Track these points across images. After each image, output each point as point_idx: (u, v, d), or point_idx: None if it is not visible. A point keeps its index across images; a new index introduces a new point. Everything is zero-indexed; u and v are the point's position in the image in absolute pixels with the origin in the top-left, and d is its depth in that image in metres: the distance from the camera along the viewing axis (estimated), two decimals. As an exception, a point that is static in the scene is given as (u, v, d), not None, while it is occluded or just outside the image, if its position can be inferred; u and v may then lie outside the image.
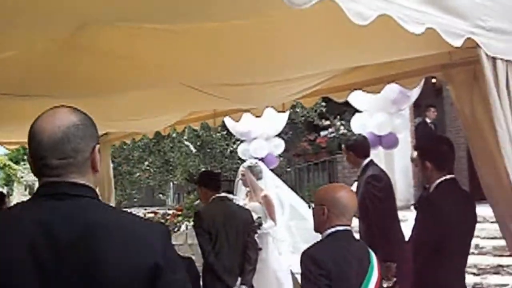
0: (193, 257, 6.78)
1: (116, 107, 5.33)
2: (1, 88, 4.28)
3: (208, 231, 6.17)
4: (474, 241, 8.88)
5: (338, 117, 16.63)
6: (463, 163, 11.99)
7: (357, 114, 9.33)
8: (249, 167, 7.97)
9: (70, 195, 2.03)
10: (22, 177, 25.88)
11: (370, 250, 3.68)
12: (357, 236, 6.30)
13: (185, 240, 12.37)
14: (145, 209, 16.35)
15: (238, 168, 8.81)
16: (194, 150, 17.03)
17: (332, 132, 17.30)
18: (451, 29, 3.00)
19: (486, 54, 3.28)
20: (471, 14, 3.15)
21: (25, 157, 28.83)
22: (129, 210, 2.22)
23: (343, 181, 15.13)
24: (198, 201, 8.38)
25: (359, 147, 6.77)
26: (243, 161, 9.62)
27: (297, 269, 3.71)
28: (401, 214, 6.92)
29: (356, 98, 7.59)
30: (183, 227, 13.71)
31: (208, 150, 16.97)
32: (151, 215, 14.55)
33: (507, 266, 8.82)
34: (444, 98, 15.40)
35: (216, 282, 6.20)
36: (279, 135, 10.42)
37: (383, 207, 6.26)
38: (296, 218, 9.13)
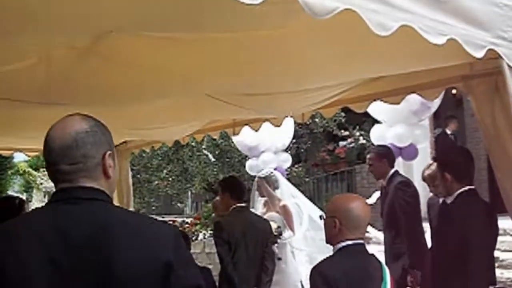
0: (210, 266, 6.77)
1: (136, 116, 5.35)
2: (21, 96, 4.32)
3: (227, 241, 6.13)
4: (494, 254, 8.88)
5: (358, 127, 16.61)
6: (483, 175, 11.90)
7: (376, 125, 9.28)
8: (264, 178, 7.95)
9: (83, 199, 2.09)
10: (41, 184, 26.07)
11: (384, 266, 3.51)
12: (378, 247, 6.31)
13: (202, 249, 12.36)
14: (163, 218, 16.36)
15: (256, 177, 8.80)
16: (212, 159, 17.06)
17: (351, 143, 17.25)
18: (473, 40, 2.99)
19: (508, 65, 3.26)
20: (493, 25, 3.13)
21: (44, 164, 29.16)
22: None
23: (361, 192, 15.07)
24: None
25: (391, 155, 6.90)
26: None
27: (307, 281, 3.59)
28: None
29: (376, 109, 7.56)
30: (200, 236, 13.72)
31: (227, 159, 16.98)
32: (169, 223, 14.54)
33: (528, 279, 8.72)
34: (464, 109, 15.30)
35: None
36: (297, 145, 10.41)
37: (413, 213, 6.26)
38: (313, 228, 9.08)
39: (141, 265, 2.01)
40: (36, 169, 27.44)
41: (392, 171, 6.75)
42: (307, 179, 16.98)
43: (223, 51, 3.54)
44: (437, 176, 5.01)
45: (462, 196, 4.37)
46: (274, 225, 7.06)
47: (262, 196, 7.95)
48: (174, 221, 15.11)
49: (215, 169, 17.13)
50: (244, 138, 9.26)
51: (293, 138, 10.78)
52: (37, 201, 24.62)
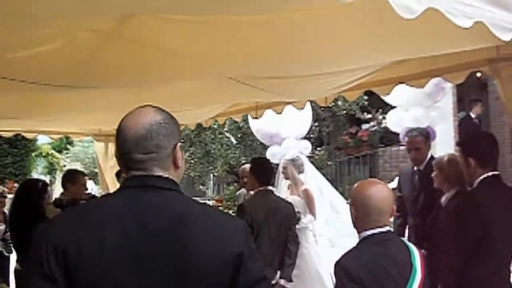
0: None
1: (159, 98, 5.29)
2: (44, 79, 4.34)
3: (250, 225, 6.13)
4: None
5: (380, 110, 16.51)
6: (508, 159, 11.82)
7: (392, 110, 9.24)
8: (291, 160, 7.93)
9: (157, 187, 2.16)
10: (64, 166, 26.27)
11: (413, 250, 3.34)
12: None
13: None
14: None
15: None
16: (235, 142, 17.08)
17: (373, 126, 17.18)
18: (500, 22, 2.94)
19: (535, 49, 3.22)
20: (520, 8, 3.08)
21: (68, 146, 29.32)
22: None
23: (384, 175, 15.04)
24: (240, 191, 8.30)
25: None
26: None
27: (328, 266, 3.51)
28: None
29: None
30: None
31: (249, 142, 17.00)
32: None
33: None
34: (489, 93, 15.18)
35: None
36: (319, 128, 10.39)
37: None
38: (334, 212, 9.10)
39: (214, 256, 2.07)
40: (59, 151, 27.69)
41: (430, 155, 6.22)
42: (329, 163, 16.96)
43: (247, 34, 3.52)
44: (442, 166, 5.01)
45: (486, 181, 4.33)
46: (293, 209, 7.05)
47: (287, 179, 7.95)
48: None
49: (236, 152, 17.16)
50: (264, 126, 9.27)
51: (315, 121, 10.77)
52: (60, 183, 24.82)
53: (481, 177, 4.34)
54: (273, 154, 9.94)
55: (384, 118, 16.25)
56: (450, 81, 5.37)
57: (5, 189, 18.37)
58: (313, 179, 8.76)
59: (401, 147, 13.74)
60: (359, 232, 3.34)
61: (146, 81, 4.68)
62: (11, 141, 21.26)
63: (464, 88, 14.28)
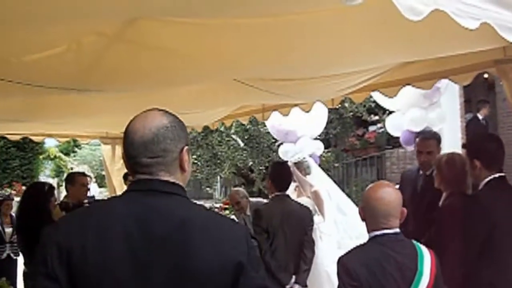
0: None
1: (165, 101, 5.27)
2: (52, 82, 4.35)
3: (266, 230, 6.15)
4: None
5: (387, 112, 16.47)
6: (515, 161, 11.76)
7: (390, 116, 9.23)
8: (295, 163, 7.95)
9: (162, 192, 2.16)
10: (72, 168, 26.34)
11: (424, 254, 3.30)
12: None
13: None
14: (192, 202, 16.41)
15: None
16: (242, 144, 17.08)
17: (380, 127, 17.14)
18: (507, 24, 2.92)
19: (542, 50, 3.20)
20: (527, 9, 3.07)
21: (75, 149, 29.39)
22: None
23: (391, 177, 15.00)
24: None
25: None
26: (288, 155, 9.58)
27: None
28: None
29: (385, 99, 7.44)
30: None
31: (256, 145, 16.99)
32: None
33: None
34: (496, 94, 15.12)
35: (270, 279, 6.15)
36: (326, 130, 10.36)
37: None
38: (342, 214, 9.08)
39: (215, 263, 2.07)
40: (67, 154, 27.78)
41: None
42: (336, 164, 16.95)
43: (253, 37, 3.52)
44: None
45: (491, 183, 4.31)
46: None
47: (293, 181, 7.93)
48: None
49: (244, 154, 17.16)
50: (280, 123, 9.26)
51: (322, 123, 10.74)
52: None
53: (487, 179, 4.32)
54: (286, 152, 9.93)
55: (391, 119, 16.25)
56: (457, 82, 5.36)
57: (12, 192, 18.46)
58: (320, 181, 8.72)
59: (408, 149, 13.70)
60: (369, 232, 3.35)
61: (152, 84, 4.69)
62: (18, 144, 21.30)
63: (472, 89, 14.23)
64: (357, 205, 5.46)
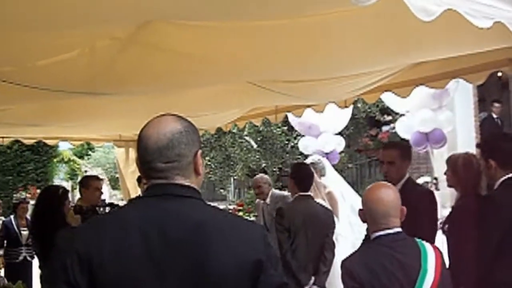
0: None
1: (179, 104, 5.37)
2: (67, 86, 4.37)
3: (288, 229, 6.15)
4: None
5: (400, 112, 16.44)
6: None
7: (400, 118, 9.22)
8: (312, 164, 7.92)
9: (178, 195, 2.17)
10: (86, 171, 26.43)
11: (427, 252, 3.28)
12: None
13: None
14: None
15: (299, 163, 8.77)
16: (255, 146, 17.08)
17: (394, 128, 17.06)
18: (520, 22, 2.92)
19: (557, 48, 3.19)
20: (540, 7, 3.05)
21: (89, 152, 29.50)
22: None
23: (405, 177, 14.93)
24: (257, 200, 8.31)
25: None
26: (304, 156, 9.57)
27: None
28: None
29: (394, 101, 7.38)
30: (244, 222, 13.72)
31: (269, 146, 16.99)
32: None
33: None
34: (510, 92, 15.02)
35: (289, 279, 6.14)
36: (340, 131, 10.34)
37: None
38: (355, 216, 9.05)
39: (232, 264, 2.08)
40: (81, 157, 27.88)
41: (407, 176, 5.21)
42: (350, 165, 16.92)
43: (266, 39, 3.53)
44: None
45: (507, 183, 4.29)
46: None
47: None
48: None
49: (257, 156, 17.16)
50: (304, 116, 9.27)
51: (335, 124, 10.74)
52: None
53: (502, 179, 4.29)
54: (306, 146, 9.92)
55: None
56: (471, 81, 5.33)
57: (27, 195, 18.53)
58: (334, 182, 8.71)
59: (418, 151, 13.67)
60: (370, 233, 3.33)
61: (165, 87, 4.71)
62: (33, 148, 21.39)
63: (485, 88, 14.16)
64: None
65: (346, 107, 6.63)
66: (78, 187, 6.91)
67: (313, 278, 6.24)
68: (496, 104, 14.43)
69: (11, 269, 9.24)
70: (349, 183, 10.42)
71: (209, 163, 17.90)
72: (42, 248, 5.80)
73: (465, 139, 9.86)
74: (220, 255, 2.07)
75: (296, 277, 6.08)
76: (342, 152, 12.44)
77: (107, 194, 24.35)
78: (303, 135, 10.42)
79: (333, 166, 9.57)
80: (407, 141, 9.02)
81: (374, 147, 17.32)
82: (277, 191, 8.12)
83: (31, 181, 22.27)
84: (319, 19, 3.12)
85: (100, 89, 4.50)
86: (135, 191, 8.92)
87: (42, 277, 6.02)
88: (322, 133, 9.76)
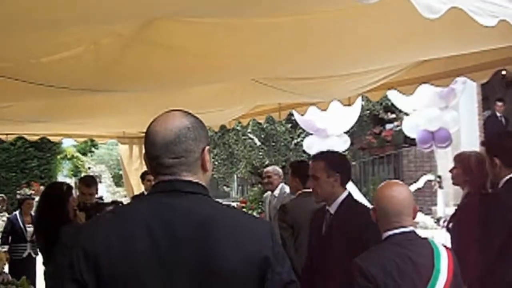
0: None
1: (182, 101, 5.33)
2: (70, 83, 4.38)
3: (291, 225, 6.17)
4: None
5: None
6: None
7: (407, 117, 9.22)
8: None
9: (185, 192, 2.17)
10: (89, 168, 26.48)
11: (440, 252, 3.27)
12: (425, 232, 6.10)
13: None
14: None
15: (302, 161, 8.77)
16: (258, 143, 17.08)
17: (397, 126, 17.07)
18: (524, 21, 2.91)
19: (560, 47, 3.18)
20: (545, 6, 3.05)
21: (92, 149, 29.50)
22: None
23: (408, 175, 14.96)
24: (266, 193, 8.33)
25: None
26: (308, 154, 9.55)
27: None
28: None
29: (400, 100, 7.38)
30: (247, 220, 13.74)
31: (273, 144, 16.99)
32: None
33: None
34: (514, 91, 15.04)
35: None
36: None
37: None
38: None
39: (240, 260, 2.08)
40: (84, 154, 27.90)
41: (345, 194, 4.35)
42: (353, 163, 16.89)
43: (270, 37, 3.52)
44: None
45: (511, 181, 4.28)
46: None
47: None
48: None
49: (260, 153, 17.16)
50: (312, 118, 9.24)
51: (339, 122, 10.72)
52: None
53: (507, 177, 4.29)
54: (311, 145, 9.89)
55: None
56: (475, 80, 5.32)
57: (31, 191, 18.57)
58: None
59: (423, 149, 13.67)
60: (382, 233, 3.32)
61: (169, 85, 4.71)
62: (36, 145, 21.40)
63: (489, 87, 14.15)
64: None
65: (350, 104, 6.60)
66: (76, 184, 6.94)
67: None
68: (499, 103, 14.46)
69: (15, 265, 9.25)
70: (352, 180, 10.42)
71: (212, 160, 17.83)
72: (46, 244, 5.81)
73: (468, 138, 9.85)
74: (227, 251, 2.07)
75: (300, 275, 6.09)
76: (346, 150, 12.43)
77: (104, 191, 24.35)
78: (308, 134, 10.37)
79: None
80: (413, 139, 8.99)
81: (378, 145, 17.33)
82: (287, 186, 8.13)
83: (34, 177, 22.31)
84: (323, 16, 3.12)
85: (104, 86, 4.50)
86: (139, 188, 8.92)
87: (46, 274, 6.04)
88: (329, 136, 9.73)
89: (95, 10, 2.73)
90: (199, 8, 2.90)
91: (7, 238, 9.97)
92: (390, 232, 3.25)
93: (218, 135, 17.18)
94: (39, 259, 7.66)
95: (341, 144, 9.96)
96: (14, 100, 5.16)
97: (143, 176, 8.39)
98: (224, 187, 20.73)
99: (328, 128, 9.61)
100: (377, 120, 18.01)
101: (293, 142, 16.86)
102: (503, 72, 12.27)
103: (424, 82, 5.37)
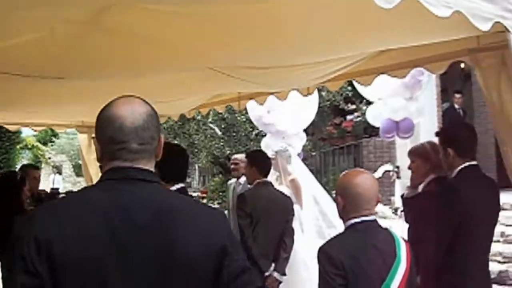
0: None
1: (140, 89, 5.23)
2: (24, 71, 4.30)
3: (249, 214, 6.19)
4: (499, 229, 8.86)
5: (364, 101, 16.52)
6: (491, 150, 11.80)
7: (371, 105, 9.25)
8: (280, 152, 7.99)
9: (140, 180, 2.14)
10: (49, 158, 26.20)
11: (400, 240, 3.32)
12: (384, 222, 6.17)
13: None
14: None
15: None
16: (219, 133, 17.05)
17: (358, 116, 17.21)
18: (479, 12, 2.93)
19: (515, 39, 3.21)
20: (500, -2, 3.08)
21: (53, 139, 29.18)
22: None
23: (368, 166, 15.07)
24: (231, 181, 8.33)
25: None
26: (267, 144, 9.52)
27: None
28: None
29: (366, 88, 7.41)
30: (207, 210, 13.72)
31: (234, 134, 16.97)
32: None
33: (533, 254, 8.69)
34: (472, 84, 15.23)
35: (251, 265, 6.12)
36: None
37: None
38: (316, 203, 9.10)
39: (198, 249, 2.07)
40: (44, 144, 27.59)
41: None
42: (313, 153, 16.98)
43: (227, 24, 3.50)
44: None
45: (464, 171, 4.35)
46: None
47: (276, 170, 7.97)
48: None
49: (221, 143, 17.13)
50: (261, 113, 9.22)
51: (299, 112, 10.69)
52: (45, 175, 24.74)
53: (460, 167, 4.35)
54: (267, 145, 9.86)
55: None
56: (432, 71, 5.38)
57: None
58: (298, 170, 8.74)
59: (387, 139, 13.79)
60: (345, 221, 3.35)
61: (125, 73, 4.65)
62: (-6, 134, 21.11)
63: (448, 79, 14.35)
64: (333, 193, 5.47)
65: (310, 94, 6.60)
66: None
67: (273, 264, 6.28)
68: (458, 95, 14.74)
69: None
70: (312, 171, 10.46)
71: (173, 150, 17.76)
72: (0, 235, 5.73)
73: (428, 129, 9.92)
74: (187, 240, 2.06)
75: (257, 264, 6.11)
76: (306, 140, 12.46)
77: (60, 182, 24.15)
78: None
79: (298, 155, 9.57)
80: (375, 127, 9.02)
81: (338, 136, 17.43)
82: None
83: (-8, 167, 21.97)
84: (283, 5, 3.11)
85: (61, 73, 4.44)
86: (98, 178, 8.82)
87: (1, 265, 5.96)
88: (284, 134, 9.65)
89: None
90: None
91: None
92: (357, 220, 3.27)
93: (178, 125, 17.09)
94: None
95: (298, 142, 9.91)
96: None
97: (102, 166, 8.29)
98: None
99: (277, 125, 9.53)
100: (337, 111, 18.11)
101: (253, 133, 16.83)
102: (462, 65, 12.44)
103: (382, 73, 5.40)
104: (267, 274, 6.25)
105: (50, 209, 2.19)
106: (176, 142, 17.65)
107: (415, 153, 5.15)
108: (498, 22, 3.04)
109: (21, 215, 4.96)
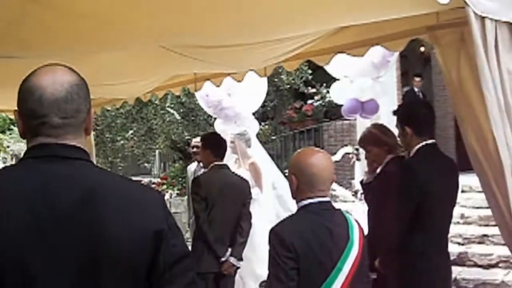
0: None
1: (89, 70, 5.09)
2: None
3: (204, 198, 6.08)
4: (459, 211, 8.93)
5: (324, 85, 16.48)
6: (451, 133, 11.90)
7: (336, 82, 9.06)
8: (239, 135, 7.89)
9: (67, 157, 1.95)
10: (8, 147, 25.74)
11: (353, 223, 3.26)
12: (344, 206, 6.13)
13: (169, 208, 12.29)
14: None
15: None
16: (178, 118, 16.85)
17: (318, 100, 17.17)
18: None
19: (475, 13, 3.13)
20: (460, -29, 2.99)
21: (12, 127, 28.64)
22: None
23: (328, 149, 15.00)
24: (191, 164, 8.23)
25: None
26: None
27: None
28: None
29: (335, 65, 7.32)
30: (167, 196, 13.67)
31: (193, 118, 16.79)
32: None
33: (492, 235, 8.75)
34: (432, 67, 15.35)
35: (206, 250, 6.09)
36: (264, 103, 10.11)
37: None
38: (277, 189, 9.06)
39: (132, 233, 1.91)
40: (3, 132, 27.06)
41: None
42: (273, 137, 16.90)
43: (177, 1, 3.35)
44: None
45: (423, 149, 4.32)
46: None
47: (235, 153, 7.90)
48: (141, 181, 14.98)
49: (180, 128, 16.93)
50: (221, 97, 9.02)
51: (258, 96, 10.54)
52: (3, 164, 24.34)
53: (418, 146, 4.34)
54: (222, 130, 9.68)
55: (328, 92, 16.24)
56: (390, 49, 5.31)
57: None
58: (257, 154, 8.67)
59: (345, 122, 13.77)
60: (298, 201, 3.25)
61: (71, 51, 4.43)
62: None
63: (408, 63, 14.44)
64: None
65: (266, 75, 6.49)
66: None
67: (229, 249, 6.17)
68: (417, 78, 14.95)
69: None
70: (272, 155, 10.38)
71: (131, 136, 17.54)
72: None
73: (388, 112, 9.86)
74: (116, 223, 1.89)
75: (213, 249, 6.00)
76: (266, 124, 12.47)
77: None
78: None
79: (257, 137, 9.46)
80: (335, 111, 8.84)
81: (298, 120, 17.37)
82: None
83: None
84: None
85: (2, 52, 4.22)
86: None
87: None
88: (237, 114, 9.42)
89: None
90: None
91: None
92: (311, 200, 3.18)
93: (136, 109, 16.82)
94: None
95: (254, 125, 9.71)
96: None
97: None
98: (145, 163, 20.36)
99: (242, 112, 9.31)
100: (297, 94, 18.05)
101: (212, 117, 16.66)
102: (422, 49, 12.45)
103: (340, 52, 5.31)
104: (223, 259, 6.15)
105: None
106: (134, 127, 17.44)
107: (369, 141, 5.06)
108: (458, -6, 2.96)
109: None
